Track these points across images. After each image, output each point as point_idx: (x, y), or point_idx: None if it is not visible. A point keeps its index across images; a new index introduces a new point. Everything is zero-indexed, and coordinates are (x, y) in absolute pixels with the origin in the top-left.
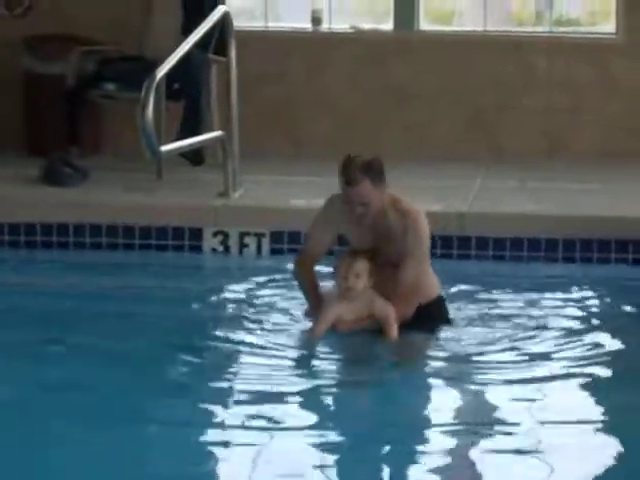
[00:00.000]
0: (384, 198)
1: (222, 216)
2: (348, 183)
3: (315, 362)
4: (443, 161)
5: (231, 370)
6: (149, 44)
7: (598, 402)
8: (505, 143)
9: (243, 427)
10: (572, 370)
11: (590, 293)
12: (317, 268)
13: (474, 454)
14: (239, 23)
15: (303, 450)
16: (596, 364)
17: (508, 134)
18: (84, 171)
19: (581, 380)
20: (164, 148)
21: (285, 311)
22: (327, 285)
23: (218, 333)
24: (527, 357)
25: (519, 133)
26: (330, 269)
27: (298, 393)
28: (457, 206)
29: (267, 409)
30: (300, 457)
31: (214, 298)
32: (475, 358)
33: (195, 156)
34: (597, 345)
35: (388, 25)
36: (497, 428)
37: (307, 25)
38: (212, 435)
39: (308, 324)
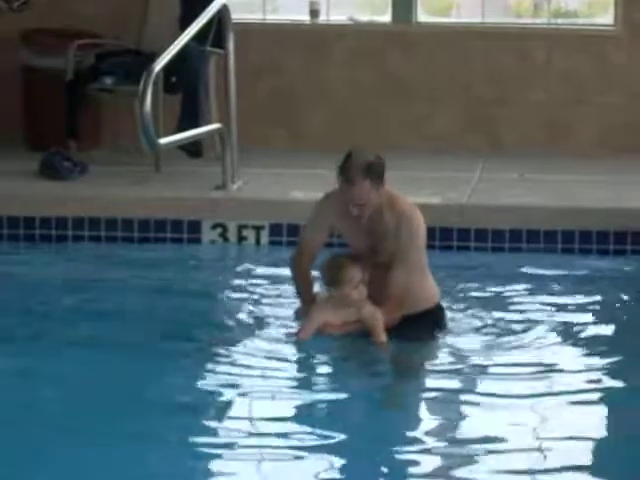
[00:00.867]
0: (381, 195)
1: (221, 209)
2: (347, 182)
3: (306, 366)
4: (442, 153)
5: (225, 366)
6: (147, 37)
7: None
8: (504, 135)
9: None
10: (577, 374)
11: (589, 284)
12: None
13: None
14: (237, 15)
15: (294, 458)
16: (596, 355)
17: (507, 126)
18: (83, 165)
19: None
20: (162, 141)
21: (284, 305)
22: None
23: (216, 326)
24: (528, 357)
25: (518, 125)
26: None
27: (289, 396)
28: (456, 198)
29: (258, 413)
30: (290, 465)
31: (213, 290)
32: (474, 364)
33: (194, 148)
34: (597, 337)
35: (386, 17)
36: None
37: (305, 17)
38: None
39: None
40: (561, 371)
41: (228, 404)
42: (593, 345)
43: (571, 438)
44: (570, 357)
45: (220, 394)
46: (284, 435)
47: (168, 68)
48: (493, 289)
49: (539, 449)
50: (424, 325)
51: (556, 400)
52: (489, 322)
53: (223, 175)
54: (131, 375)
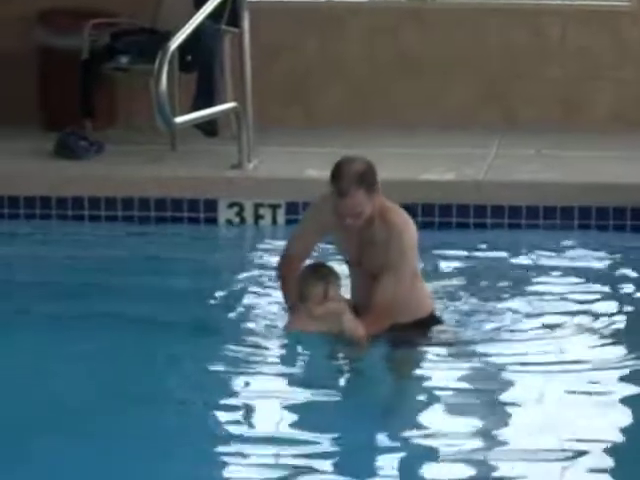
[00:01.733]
0: (375, 204)
1: (237, 187)
2: (341, 195)
3: (307, 363)
4: (458, 130)
5: (239, 345)
6: (162, 16)
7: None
8: (520, 111)
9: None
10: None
11: (606, 261)
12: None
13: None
14: None
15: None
16: (612, 336)
17: (523, 102)
18: (99, 144)
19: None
20: (178, 120)
21: None
22: None
23: (233, 306)
24: (538, 340)
25: (534, 101)
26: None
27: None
28: (473, 174)
29: (259, 412)
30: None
31: (230, 269)
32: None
33: (209, 127)
34: (612, 315)
35: None
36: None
37: None
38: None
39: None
40: (577, 362)
41: (233, 395)
42: (608, 324)
43: (580, 439)
44: (585, 346)
45: (227, 381)
46: (284, 435)
47: (183, 47)
48: (508, 265)
49: (547, 448)
50: (417, 332)
51: (568, 396)
52: (499, 307)
53: (239, 154)
54: (144, 353)
